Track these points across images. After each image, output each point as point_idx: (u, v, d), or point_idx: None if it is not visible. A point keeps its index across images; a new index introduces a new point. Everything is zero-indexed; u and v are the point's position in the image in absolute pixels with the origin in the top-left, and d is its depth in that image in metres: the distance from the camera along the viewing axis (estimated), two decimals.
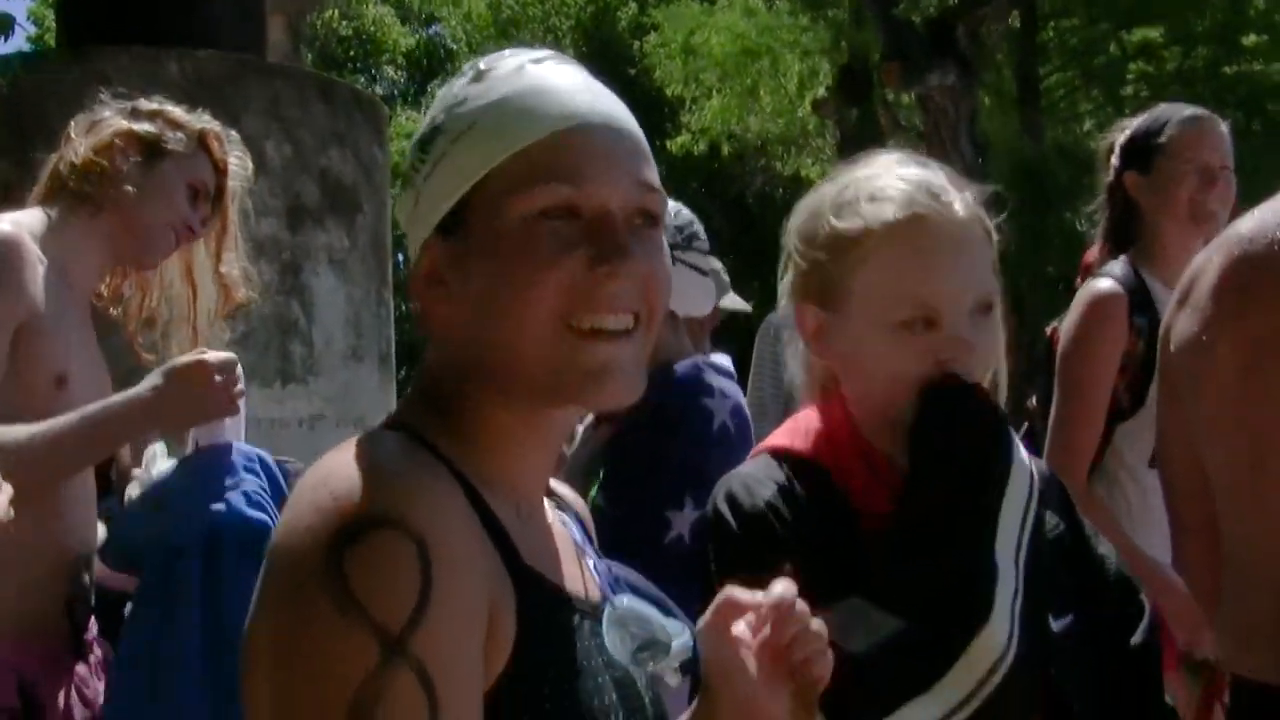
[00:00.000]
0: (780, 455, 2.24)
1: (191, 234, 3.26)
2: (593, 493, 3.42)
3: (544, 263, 1.51)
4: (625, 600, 1.66)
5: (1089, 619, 2.22)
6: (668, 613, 1.68)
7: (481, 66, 1.63)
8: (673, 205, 3.45)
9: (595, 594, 1.68)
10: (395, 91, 39.04)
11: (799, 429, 2.29)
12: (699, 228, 3.60)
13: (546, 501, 1.75)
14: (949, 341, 2.12)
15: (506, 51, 1.65)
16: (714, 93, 24.37)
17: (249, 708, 1.39)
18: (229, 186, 3.33)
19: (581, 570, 1.70)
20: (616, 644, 1.60)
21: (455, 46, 38.94)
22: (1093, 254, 4.57)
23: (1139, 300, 4.04)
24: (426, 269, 1.60)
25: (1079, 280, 4.78)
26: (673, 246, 3.44)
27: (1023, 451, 2.19)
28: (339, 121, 6.80)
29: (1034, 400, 5.44)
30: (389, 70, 40.22)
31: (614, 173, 1.57)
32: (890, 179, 2.19)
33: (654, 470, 3.41)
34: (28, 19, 31.64)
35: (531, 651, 1.46)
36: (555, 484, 1.91)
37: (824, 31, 21.60)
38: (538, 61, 1.63)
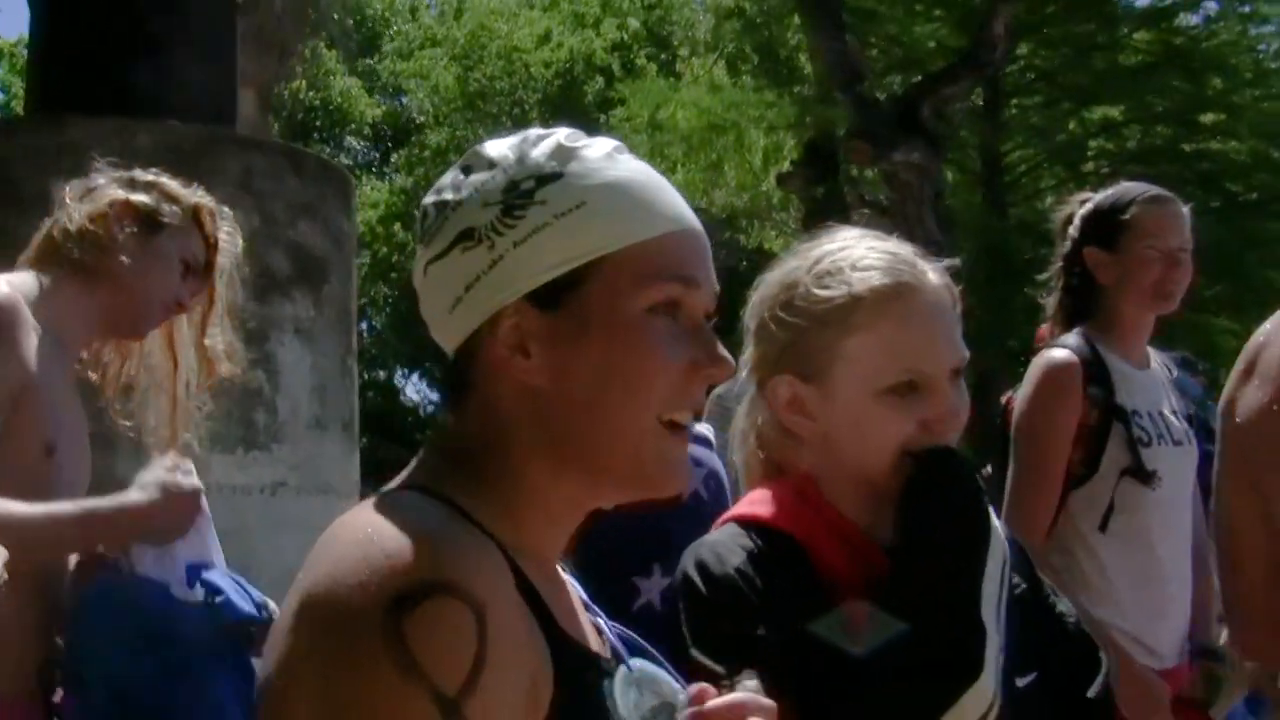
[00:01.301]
0: (747, 524, 2.26)
1: (181, 308, 3.27)
2: None
3: (661, 360, 1.58)
4: (639, 662, 1.69)
5: (1050, 675, 2.27)
6: (663, 669, 1.71)
7: (563, 142, 1.65)
8: None
9: (606, 652, 1.70)
10: (359, 160, 39.09)
11: (763, 499, 2.31)
12: None
13: None
14: (935, 405, 2.18)
15: (567, 131, 1.68)
16: (679, 167, 24.49)
17: None
18: (218, 262, 3.35)
19: (593, 629, 1.73)
20: (631, 706, 1.61)
21: (422, 118, 39.04)
22: (1047, 327, 4.61)
23: (1094, 371, 4.07)
24: (509, 333, 1.59)
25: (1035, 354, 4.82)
26: None
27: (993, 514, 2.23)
28: (309, 193, 6.81)
29: (989, 469, 5.47)
30: (353, 141, 40.28)
31: (709, 279, 1.65)
32: (864, 249, 2.24)
33: (622, 538, 3.42)
34: None
35: (567, 714, 1.48)
36: None
37: (789, 107, 21.74)
38: (620, 150, 1.68)
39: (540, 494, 1.60)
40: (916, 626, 2.05)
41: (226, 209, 3.42)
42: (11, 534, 2.77)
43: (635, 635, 1.77)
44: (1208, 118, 21.99)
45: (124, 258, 3.14)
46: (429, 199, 1.68)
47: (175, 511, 2.98)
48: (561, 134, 1.66)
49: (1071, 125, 23.47)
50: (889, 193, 18.56)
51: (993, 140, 22.30)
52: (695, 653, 1.96)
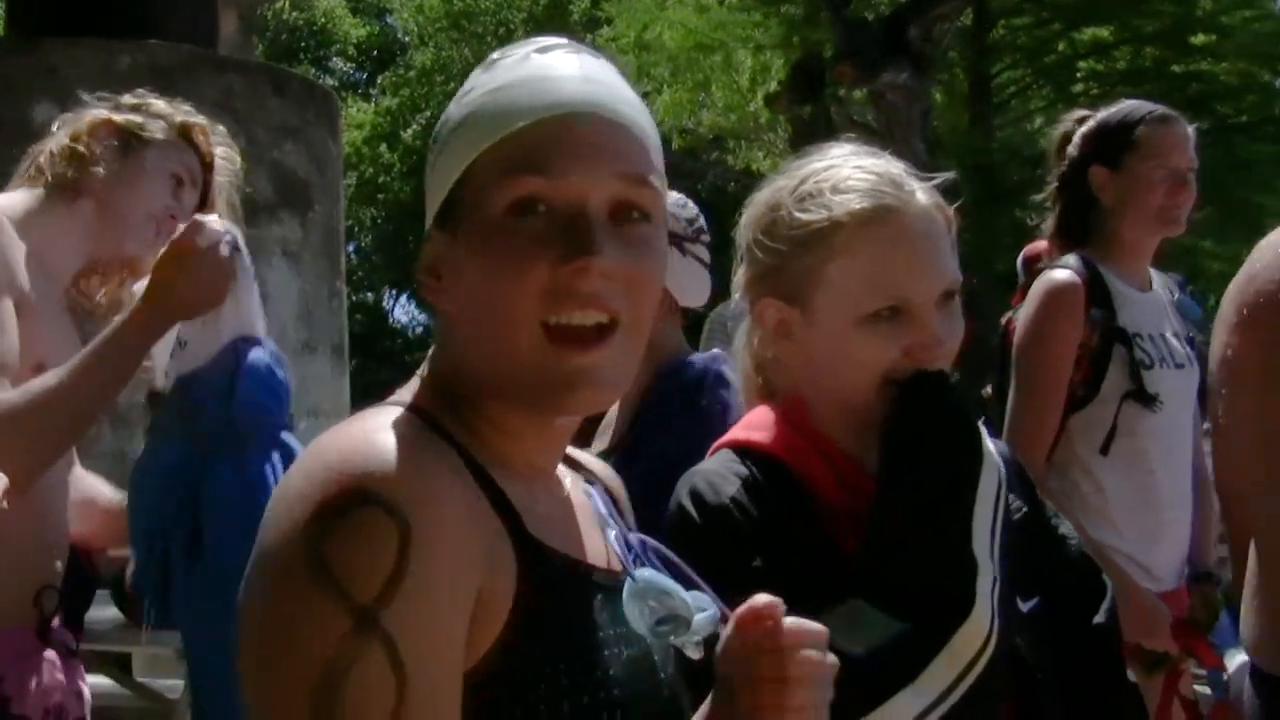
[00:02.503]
0: (742, 450, 2.22)
1: (173, 222, 3.19)
2: None
3: (515, 263, 1.47)
4: (646, 573, 1.62)
5: (1053, 599, 2.23)
6: (694, 587, 1.64)
7: (494, 56, 1.60)
8: (679, 198, 3.43)
9: (617, 566, 1.65)
10: (345, 81, 38.90)
11: (757, 424, 2.27)
12: (703, 221, 3.57)
13: (570, 474, 1.73)
14: (919, 332, 2.11)
15: (528, 41, 1.61)
16: (664, 87, 24.35)
17: (241, 676, 1.39)
18: (215, 181, 3.29)
19: (605, 543, 1.68)
20: (636, 616, 1.58)
21: (407, 39, 38.84)
22: (1039, 246, 4.55)
23: (1096, 293, 4.03)
24: (425, 261, 1.58)
25: (1020, 272, 4.76)
26: (682, 238, 3.41)
27: (988, 438, 2.18)
28: (292, 115, 6.77)
29: (989, 390, 5.44)
30: (338, 62, 40.09)
31: (593, 163, 1.51)
32: (849, 170, 2.18)
33: (677, 463, 3.37)
34: None
35: (530, 621, 1.45)
36: (583, 456, 1.87)
37: (777, 27, 21.60)
38: (545, 50, 1.58)
39: (490, 412, 1.56)
40: (903, 563, 2.02)
41: (221, 127, 3.36)
42: (41, 405, 2.76)
43: (665, 549, 1.71)
44: (1197, 39, 21.89)
45: (101, 170, 3.09)
46: None
47: (198, 277, 2.91)
48: (506, 48, 1.62)
49: (1060, 46, 23.37)
50: (877, 114, 18.51)
51: (981, 62, 22.21)
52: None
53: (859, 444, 2.18)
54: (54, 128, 3.19)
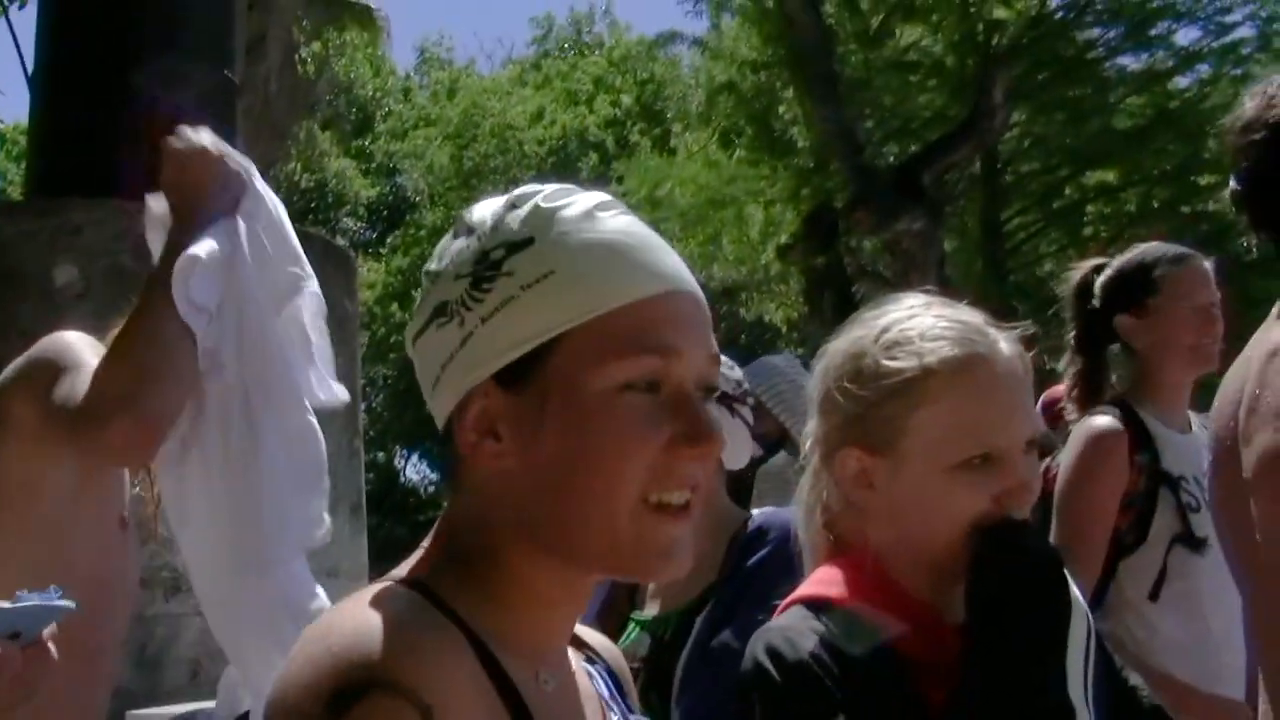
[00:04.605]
0: (816, 605, 2.15)
1: None
2: (631, 638, 3.23)
3: (630, 442, 1.44)
4: None
5: None
6: None
7: (540, 204, 1.52)
8: (726, 359, 3.38)
9: None
10: (355, 240, 39.22)
11: (830, 579, 2.20)
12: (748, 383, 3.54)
13: (573, 654, 1.67)
14: (1009, 480, 2.07)
15: (551, 188, 1.56)
16: (675, 242, 24.47)
17: None
18: None
19: None
20: None
21: (417, 198, 39.24)
22: (1057, 391, 4.49)
23: (1138, 438, 3.99)
24: (476, 418, 1.49)
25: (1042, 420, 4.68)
26: (732, 399, 3.38)
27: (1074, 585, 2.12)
28: None
29: None
30: (349, 221, 40.47)
31: (695, 345, 1.51)
32: (932, 319, 2.15)
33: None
34: None
35: None
36: (587, 633, 1.81)
37: (787, 180, 21.76)
38: (603, 208, 1.54)
39: (522, 577, 1.50)
40: (1001, 711, 1.95)
41: None
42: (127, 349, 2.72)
43: None
44: (1205, 179, 22.07)
45: None
46: (426, 266, 1.60)
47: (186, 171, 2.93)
48: (544, 193, 1.55)
49: (1068, 190, 23.54)
50: (890, 261, 18.60)
51: (992, 207, 22.38)
52: None
53: (937, 593, 2.12)
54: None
